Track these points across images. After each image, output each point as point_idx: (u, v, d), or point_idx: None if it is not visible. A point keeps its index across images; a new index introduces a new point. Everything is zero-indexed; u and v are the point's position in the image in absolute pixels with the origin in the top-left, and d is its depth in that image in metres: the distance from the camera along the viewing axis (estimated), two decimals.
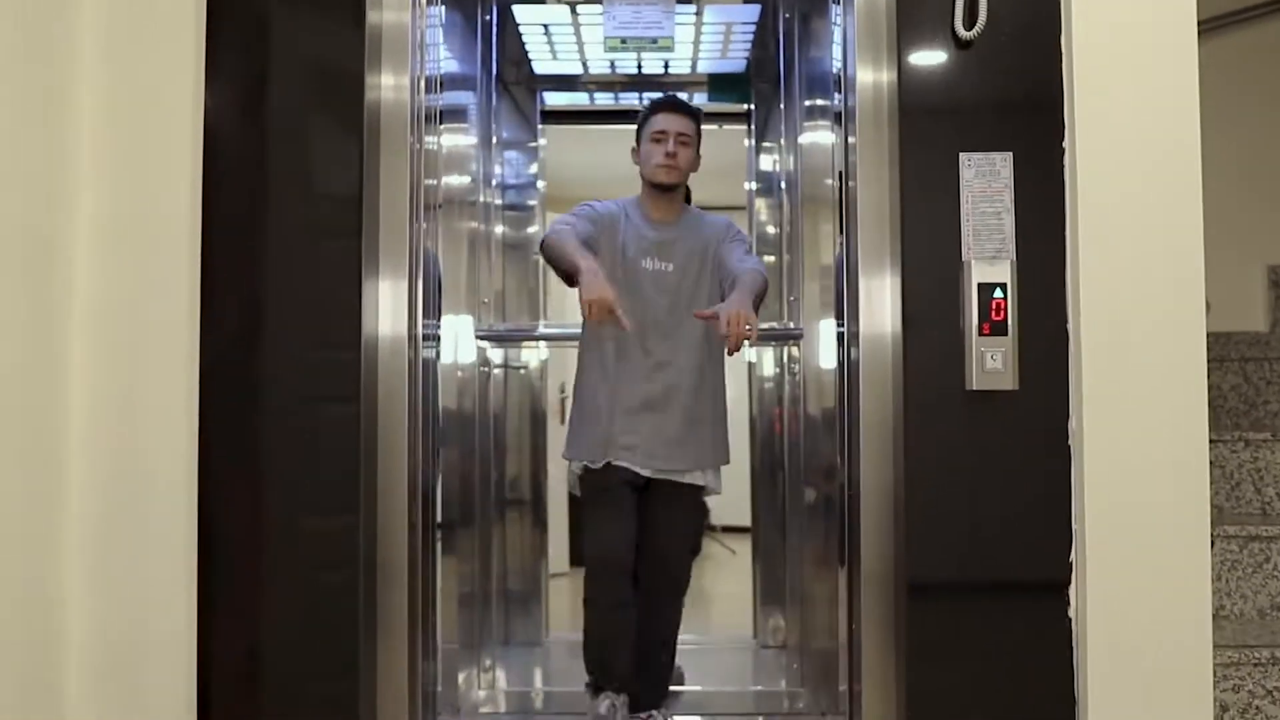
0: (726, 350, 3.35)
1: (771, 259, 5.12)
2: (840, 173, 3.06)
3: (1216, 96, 2.98)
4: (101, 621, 2.63)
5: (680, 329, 3.76)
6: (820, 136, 4.39)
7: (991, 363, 2.62)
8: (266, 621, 2.70)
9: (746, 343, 3.34)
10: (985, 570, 2.68)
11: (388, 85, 2.87)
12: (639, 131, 3.94)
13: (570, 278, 3.55)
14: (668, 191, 3.88)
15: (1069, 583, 2.64)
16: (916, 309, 2.68)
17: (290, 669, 2.70)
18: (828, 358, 4.29)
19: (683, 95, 5.41)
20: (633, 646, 3.74)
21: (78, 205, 2.65)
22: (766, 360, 5.16)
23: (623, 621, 3.75)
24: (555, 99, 5.48)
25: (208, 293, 2.68)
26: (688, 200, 4.02)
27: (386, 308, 2.84)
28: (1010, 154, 2.67)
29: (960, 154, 2.68)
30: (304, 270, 2.72)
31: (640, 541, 3.78)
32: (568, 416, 3.98)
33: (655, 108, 3.92)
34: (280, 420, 2.70)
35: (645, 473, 3.72)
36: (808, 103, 4.49)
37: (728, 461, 3.90)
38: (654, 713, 3.74)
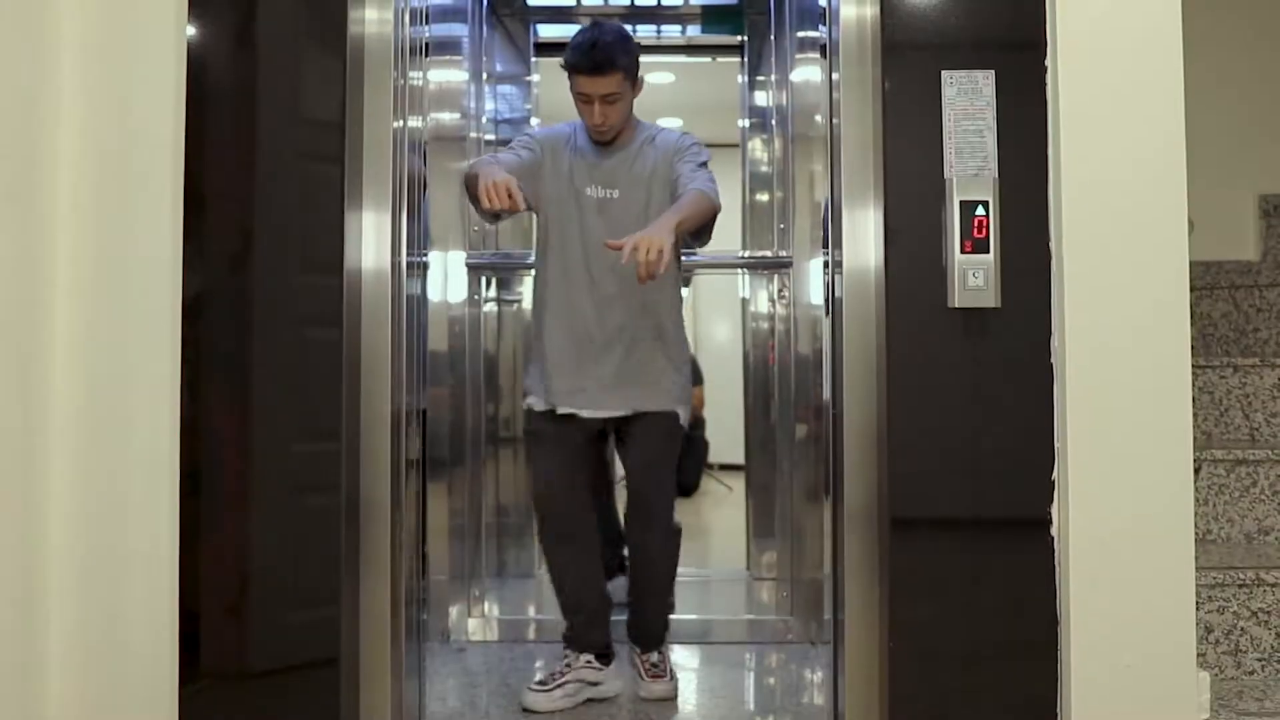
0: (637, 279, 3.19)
1: (765, 197, 5.11)
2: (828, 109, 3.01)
3: (1209, 29, 2.96)
4: (83, 546, 2.63)
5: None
6: (812, 71, 4.36)
7: (974, 280, 2.61)
8: (248, 547, 2.70)
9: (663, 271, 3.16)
10: (967, 496, 2.67)
11: (371, 19, 2.83)
12: (568, 77, 3.62)
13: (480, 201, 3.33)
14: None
15: (1051, 503, 2.64)
16: (899, 226, 2.67)
17: (272, 594, 2.70)
18: (818, 293, 4.29)
19: (675, 29, 5.39)
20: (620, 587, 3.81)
21: (60, 129, 2.63)
22: (760, 297, 5.15)
23: (578, 569, 3.71)
24: (548, 31, 5.38)
25: (190, 217, 2.67)
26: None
27: (370, 237, 2.81)
28: (992, 72, 2.66)
29: (942, 72, 2.66)
30: (286, 196, 2.71)
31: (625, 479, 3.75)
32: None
33: (573, 68, 3.58)
34: (262, 344, 2.70)
35: (586, 414, 3.63)
36: (800, 34, 4.47)
37: (686, 404, 3.76)
38: (648, 655, 3.77)
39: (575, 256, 3.65)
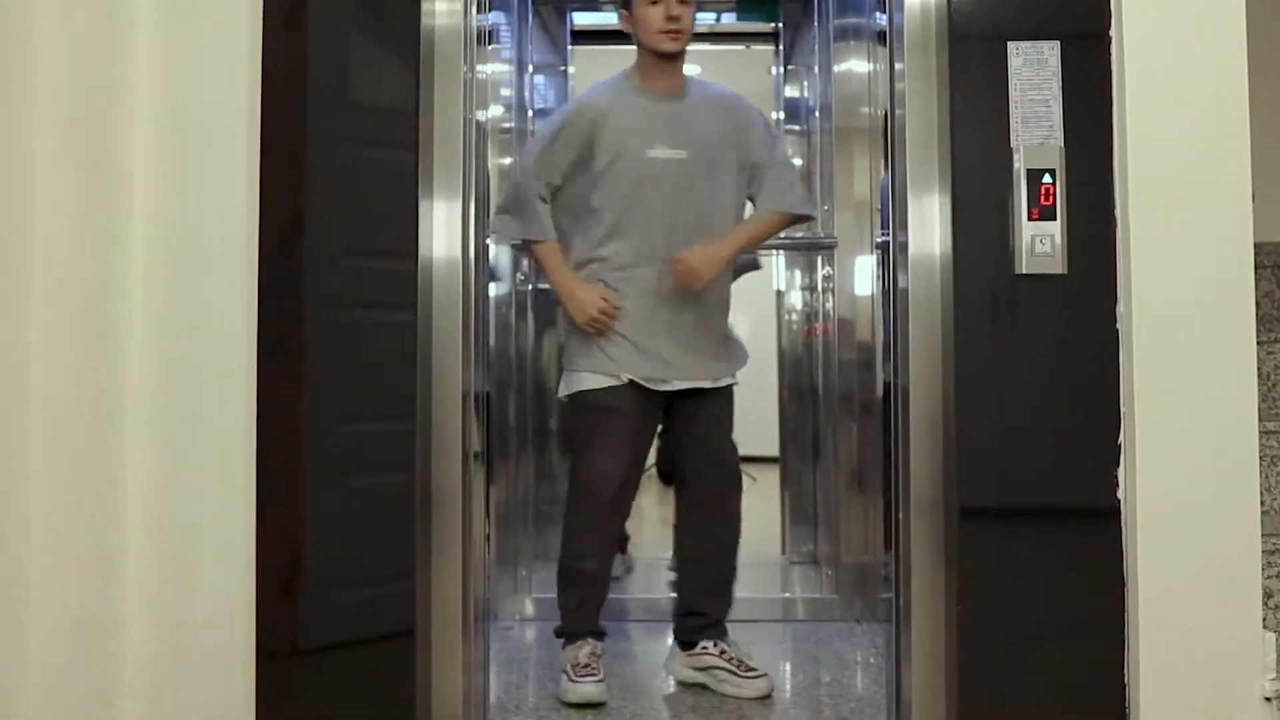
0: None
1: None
2: (885, 97, 3.00)
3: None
4: (161, 523, 2.64)
5: (699, 228, 3.46)
6: (855, 61, 4.37)
7: (1041, 247, 2.65)
8: (323, 527, 2.74)
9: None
10: (1036, 472, 2.72)
11: (442, 10, 2.85)
12: None
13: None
14: (673, 60, 3.51)
15: (1117, 468, 2.66)
16: (966, 196, 2.71)
17: (347, 569, 2.74)
18: (863, 284, 4.32)
19: (709, 16, 5.40)
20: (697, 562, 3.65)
21: (135, 116, 2.64)
22: (795, 289, 5.16)
23: (607, 564, 3.59)
24: (584, 19, 5.40)
25: (266, 200, 2.68)
26: None
27: (441, 225, 2.84)
28: (1058, 42, 2.69)
29: (1009, 43, 2.70)
30: (361, 183, 2.76)
31: (677, 449, 3.66)
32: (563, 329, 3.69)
33: None
34: (338, 326, 2.74)
35: (657, 387, 3.48)
36: (839, 22, 4.48)
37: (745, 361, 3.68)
38: (720, 644, 3.56)
39: (644, 225, 3.49)
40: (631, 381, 3.47)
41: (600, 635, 3.56)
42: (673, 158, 3.47)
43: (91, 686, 2.54)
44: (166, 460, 2.65)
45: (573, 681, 3.39)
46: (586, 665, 3.43)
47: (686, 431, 3.62)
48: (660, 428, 3.72)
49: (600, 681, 3.40)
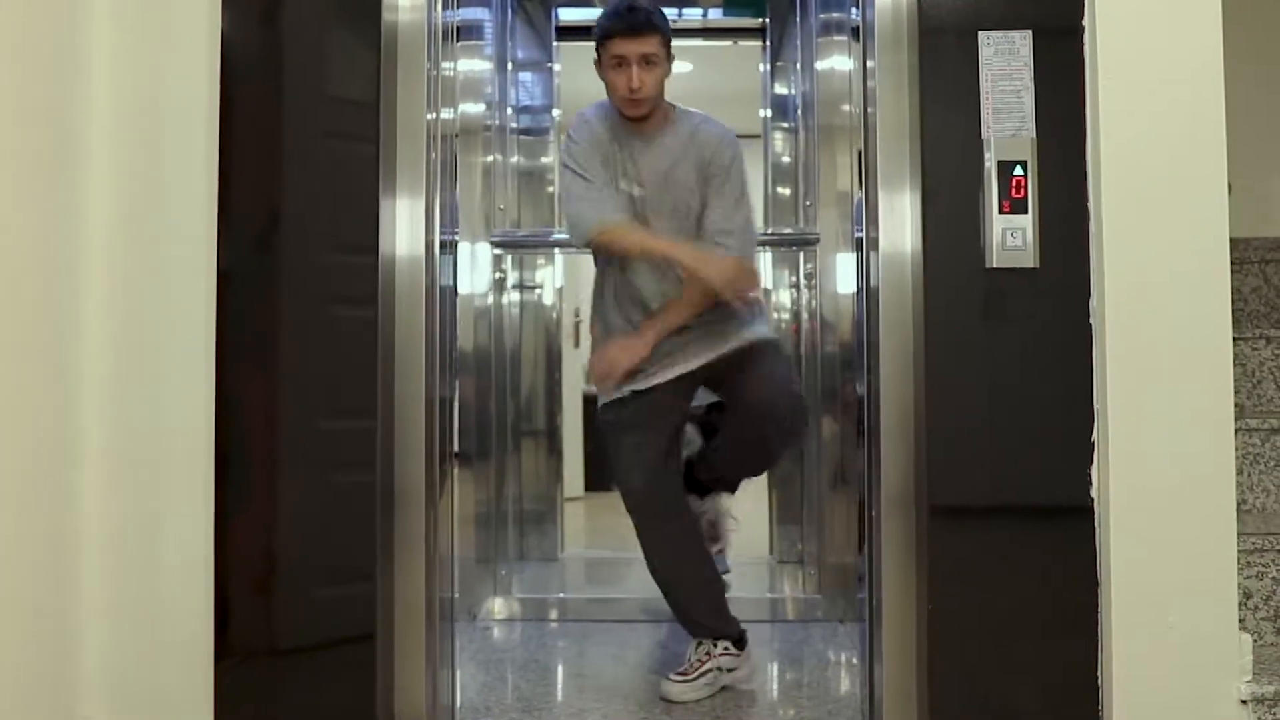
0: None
1: (787, 190, 5.08)
2: (860, 93, 2.95)
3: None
4: (119, 523, 2.62)
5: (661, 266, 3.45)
6: (838, 56, 4.34)
7: (1012, 240, 2.61)
8: (283, 526, 2.70)
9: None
10: (1007, 468, 2.68)
11: (404, 5, 2.82)
12: (597, 48, 3.44)
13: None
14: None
15: (1090, 465, 2.62)
16: (937, 189, 2.66)
17: (308, 571, 2.70)
18: (845, 282, 4.29)
19: (696, 12, 5.36)
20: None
21: (95, 110, 2.63)
22: (781, 288, 5.12)
23: (688, 553, 3.51)
24: (569, 15, 5.31)
25: (227, 195, 2.65)
26: None
27: (404, 222, 2.80)
28: (1029, 32, 2.65)
29: (980, 32, 2.66)
30: (322, 179, 2.71)
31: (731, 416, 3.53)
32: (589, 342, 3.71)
33: (608, 31, 3.39)
34: (298, 322, 2.70)
35: (675, 373, 3.42)
36: (823, 17, 4.45)
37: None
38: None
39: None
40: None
41: (727, 638, 3.55)
42: (637, 194, 3.47)
43: (49, 685, 2.51)
44: (124, 457, 2.63)
45: (668, 679, 3.45)
46: (690, 666, 3.48)
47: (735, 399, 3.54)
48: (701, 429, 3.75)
49: (689, 681, 3.43)
